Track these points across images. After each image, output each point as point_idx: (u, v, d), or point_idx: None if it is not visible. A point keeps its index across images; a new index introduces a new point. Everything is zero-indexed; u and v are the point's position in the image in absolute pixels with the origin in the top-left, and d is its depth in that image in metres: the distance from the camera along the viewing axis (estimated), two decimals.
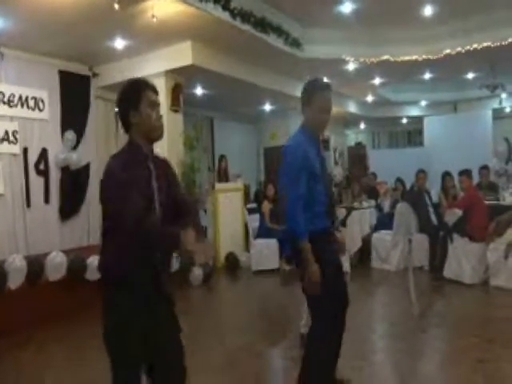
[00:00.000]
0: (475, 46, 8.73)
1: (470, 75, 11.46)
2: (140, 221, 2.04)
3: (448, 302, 6.19)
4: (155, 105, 2.30)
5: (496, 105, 13.30)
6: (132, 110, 2.24)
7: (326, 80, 3.25)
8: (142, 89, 2.28)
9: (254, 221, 8.68)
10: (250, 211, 9.47)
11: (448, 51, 8.99)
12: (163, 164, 2.42)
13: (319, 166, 3.01)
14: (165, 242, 2.11)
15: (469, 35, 8.68)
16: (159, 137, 2.31)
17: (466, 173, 7.00)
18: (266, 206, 8.48)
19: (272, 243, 8.18)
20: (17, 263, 5.33)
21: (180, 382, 2.33)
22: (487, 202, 7.29)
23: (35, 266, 5.54)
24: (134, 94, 2.26)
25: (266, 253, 8.20)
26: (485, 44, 8.64)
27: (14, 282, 5.26)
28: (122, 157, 2.24)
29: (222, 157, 11.14)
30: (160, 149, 8.02)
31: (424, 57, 9.24)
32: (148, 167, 2.27)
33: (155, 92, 2.34)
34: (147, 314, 2.21)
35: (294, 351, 4.41)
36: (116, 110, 2.38)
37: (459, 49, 8.89)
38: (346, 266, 6.31)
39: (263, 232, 8.29)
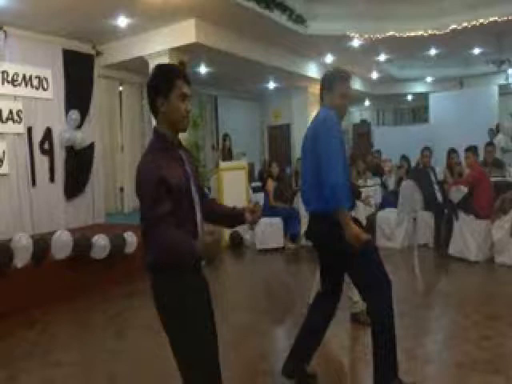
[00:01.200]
0: (482, 20, 8.61)
1: (477, 51, 11.33)
2: (162, 224, 2.03)
3: (453, 280, 6.21)
4: (186, 97, 2.19)
5: (502, 80, 13.17)
6: (161, 97, 2.15)
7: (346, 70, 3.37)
8: (175, 77, 2.17)
9: (259, 199, 8.71)
10: (255, 190, 9.50)
11: (454, 26, 8.89)
12: (187, 152, 2.37)
13: (343, 146, 3.10)
14: (180, 249, 2.07)
15: (475, 10, 8.57)
16: (184, 129, 2.25)
17: (471, 149, 6.97)
18: (271, 185, 8.50)
19: (276, 222, 8.21)
20: (23, 241, 5.39)
21: None
22: (493, 179, 7.26)
23: (41, 244, 5.60)
24: (166, 82, 2.16)
25: (271, 231, 8.23)
26: (491, 19, 8.52)
27: (20, 260, 5.32)
28: (152, 150, 2.20)
29: (226, 135, 11.15)
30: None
31: (430, 32, 9.14)
32: (179, 155, 2.24)
33: (188, 83, 2.21)
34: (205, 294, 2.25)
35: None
36: (147, 94, 2.25)
37: (465, 24, 8.78)
38: None
39: (268, 211, 8.31)
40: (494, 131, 11.23)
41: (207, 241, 2.06)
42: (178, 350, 2.13)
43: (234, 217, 2.43)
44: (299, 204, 8.20)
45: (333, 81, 3.19)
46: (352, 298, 4.46)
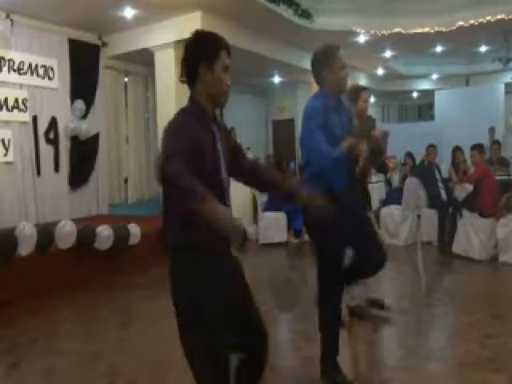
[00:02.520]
0: (488, 18, 8.59)
1: (483, 48, 11.31)
2: (174, 174, 1.75)
3: (456, 278, 6.19)
4: (227, 70, 2.06)
5: (509, 79, 13.16)
6: (204, 64, 2.00)
7: (331, 43, 3.30)
8: (221, 47, 2.04)
9: (262, 194, 8.70)
10: None
11: (461, 23, 8.86)
12: (223, 127, 2.20)
13: (337, 129, 3.06)
14: (187, 197, 1.75)
15: (482, 7, 8.54)
16: (223, 104, 2.11)
17: (477, 147, 6.93)
18: None
19: (280, 216, 8.21)
20: (27, 230, 5.40)
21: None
22: (498, 178, 7.24)
23: (45, 233, 5.61)
24: (212, 49, 2.02)
25: (274, 226, 8.23)
26: (498, 16, 8.50)
27: (25, 248, 5.34)
28: (186, 116, 2.03)
29: (231, 129, 11.14)
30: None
31: (436, 29, 9.12)
32: (212, 130, 2.06)
33: (230, 56, 2.08)
34: (228, 278, 2.05)
35: (300, 324, 4.48)
36: (184, 58, 2.09)
37: (472, 21, 8.75)
38: None
39: (272, 205, 8.31)
40: (495, 130, 11.21)
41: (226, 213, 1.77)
42: (187, 349, 2.06)
43: (283, 191, 2.33)
44: None
45: (329, 56, 3.10)
46: (350, 291, 4.45)
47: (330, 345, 3.16)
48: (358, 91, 4.14)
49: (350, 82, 3.28)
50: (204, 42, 2.05)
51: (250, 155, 9.47)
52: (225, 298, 1.98)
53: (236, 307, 2.07)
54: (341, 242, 3.12)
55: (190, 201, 1.74)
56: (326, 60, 3.09)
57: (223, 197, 2.05)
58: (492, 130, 11.21)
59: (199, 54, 2.01)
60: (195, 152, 1.90)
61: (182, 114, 2.04)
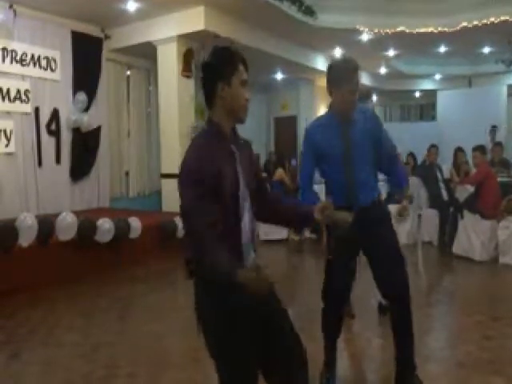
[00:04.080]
0: (492, 19, 8.56)
1: (486, 49, 11.27)
2: (202, 231, 1.81)
3: (456, 278, 6.20)
4: (246, 84, 2.01)
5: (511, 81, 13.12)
6: (222, 81, 1.95)
7: (351, 60, 3.06)
8: (238, 61, 1.99)
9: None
10: None
11: (464, 24, 8.84)
12: (245, 145, 2.13)
13: (337, 149, 2.95)
14: (214, 267, 1.81)
15: (487, 8, 8.52)
16: (243, 120, 2.04)
17: (479, 149, 6.93)
18: (282, 173, 8.56)
19: None
20: (28, 221, 5.39)
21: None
22: (499, 179, 7.23)
23: (46, 225, 5.60)
24: (229, 65, 1.97)
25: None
26: (502, 18, 8.48)
27: (25, 239, 5.33)
28: (203, 138, 2.00)
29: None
30: (171, 114, 8.09)
31: (440, 29, 9.10)
32: (231, 150, 2.00)
33: (247, 69, 2.03)
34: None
35: (301, 322, 4.47)
36: (202, 79, 2.04)
37: (476, 22, 8.73)
38: None
39: None
40: (496, 130, 11.20)
41: (251, 276, 1.74)
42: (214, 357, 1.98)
43: (300, 216, 2.21)
44: None
45: (339, 78, 2.88)
46: None
47: (327, 341, 3.19)
48: (367, 96, 4.14)
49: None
50: (221, 59, 2.00)
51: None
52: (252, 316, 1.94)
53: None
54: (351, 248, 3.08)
55: (216, 273, 1.81)
56: (338, 78, 2.90)
57: (238, 226, 1.98)
58: (493, 131, 11.21)
59: (217, 71, 1.98)
60: (213, 180, 1.88)
61: (198, 139, 2.02)
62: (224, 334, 1.91)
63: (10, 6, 7.03)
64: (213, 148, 1.94)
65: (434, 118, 14.47)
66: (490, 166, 7.55)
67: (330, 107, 3.08)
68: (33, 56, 7.48)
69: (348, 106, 2.92)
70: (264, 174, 9.95)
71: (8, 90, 7.14)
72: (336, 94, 2.92)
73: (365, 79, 13.43)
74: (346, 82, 2.85)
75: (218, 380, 1.98)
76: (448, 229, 7.20)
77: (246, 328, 1.92)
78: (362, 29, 9.15)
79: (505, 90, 12.79)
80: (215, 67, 1.98)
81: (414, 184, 7.79)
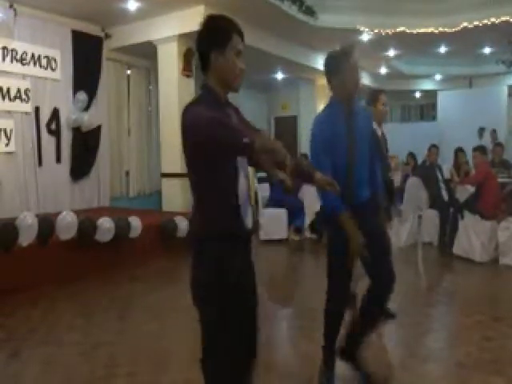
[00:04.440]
0: (493, 19, 8.56)
1: (487, 50, 11.28)
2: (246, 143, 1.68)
3: (456, 279, 6.19)
4: (241, 54, 2.01)
5: None
6: (215, 49, 1.96)
7: (346, 46, 3.13)
8: (232, 30, 2.00)
9: (264, 190, 8.69)
10: (260, 180, 9.48)
11: (465, 24, 8.84)
12: (237, 111, 2.15)
13: (343, 142, 2.94)
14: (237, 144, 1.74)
15: (487, 8, 8.52)
16: (236, 89, 2.04)
17: (479, 149, 6.93)
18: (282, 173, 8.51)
19: (281, 213, 8.20)
20: (28, 220, 5.39)
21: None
22: (500, 180, 7.23)
23: (46, 224, 5.60)
24: (223, 33, 1.98)
25: (275, 222, 8.21)
26: (503, 18, 8.48)
27: (26, 239, 5.33)
28: (201, 103, 1.98)
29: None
30: (171, 113, 8.09)
31: (440, 29, 9.10)
32: (227, 113, 2.03)
33: (243, 39, 2.04)
34: (246, 263, 2.09)
35: (300, 320, 4.48)
36: (196, 46, 2.04)
37: (476, 22, 8.73)
38: None
39: (273, 201, 8.30)
40: (498, 132, 11.22)
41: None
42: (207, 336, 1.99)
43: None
44: (304, 196, 8.21)
45: (335, 64, 2.94)
46: None
47: (328, 341, 3.17)
48: (376, 94, 4.16)
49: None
50: (215, 27, 2.01)
51: None
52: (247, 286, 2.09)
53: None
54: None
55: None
56: (336, 64, 2.95)
57: (235, 185, 2.00)
58: (494, 132, 11.21)
59: (210, 39, 1.99)
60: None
61: (198, 103, 2.00)
62: (226, 303, 1.94)
63: (11, 6, 7.02)
64: (211, 110, 1.90)
65: (434, 118, 14.47)
66: (490, 166, 7.56)
67: (332, 98, 3.07)
68: (33, 55, 7.48)
69: (352, 85, 2.94)
70: (264, 174, 9.94)
71: (8, 90, 7.14)
72: (337, 76, 2.94)
73: (365, 79, 13.42)
74: (347, 60, 2.91)
75: (212, 361, 1.99)
76: (448, 229, 7.19)
77: (242, 301, 2.02)
78: (362, 29, 9.15)
79: (505, 90, 12.78)
80: (209, 36, 1.99)
81: (414, 184, 7.79)
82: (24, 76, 7.42)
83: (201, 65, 2.04)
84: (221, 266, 1.94)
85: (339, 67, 2.92)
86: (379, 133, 4.35)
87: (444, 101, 13.48)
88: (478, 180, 6.76)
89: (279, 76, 12.30)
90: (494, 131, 11.22)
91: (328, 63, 3.02)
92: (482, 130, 11.44)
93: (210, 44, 1.97)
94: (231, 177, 1.97)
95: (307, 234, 8.25)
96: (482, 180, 6.64)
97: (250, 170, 2.28)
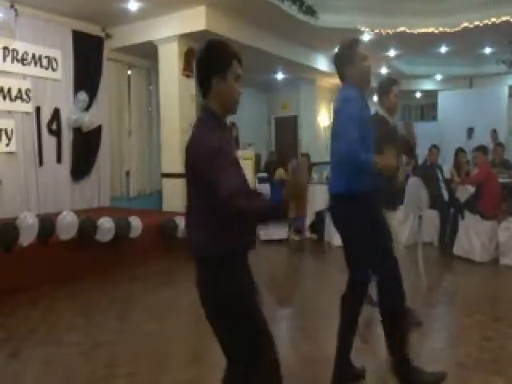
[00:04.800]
0: (493, 19, 8.56)
1: (488, 50, 11.27)
2: (239, 195, 1.88)
3: (456, 279, 6.18)
4: (239, 79, 2.10)
5: None
6: (216, 75, 2.03)
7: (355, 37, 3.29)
8: (232, 56, 2.07)
9: (264, 190, 8.69)
10: (260, 180, 9.49)
11: (465, 24, 8.83)
12: (231, 130, 2.34)
13: (365, 124, 2.99)
14: (269, 214, 2.01)
15: (488, 8, 8.51)
16: (234, 112, 2.14)
17: (481, 149, 6.92)
18: (282, 173, 8.56)
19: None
20: (28, 220, 5.40)
21: None
22: (500, 180, 7.22)
23: (46, 224, 5.60)
24: (223, 59, 2.05)
25: (275, 222, 8.21)
26: (503, 18, 8.47)
27: (26, 238, 5.33)
28: (208, 126, 2.06)
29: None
30: (172, 114, 8.09)
31: (441, 29, 9.09)
32: (230, 140, 2.16)
33: (241, 64, 2.12)
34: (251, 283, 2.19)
35: (300, 321, 4.48)
36: (195, 70, 2.13)
37: (477, 22, 8.72)
38: None
39: (273, 202, 8.28)
40: (498, 132, 11.22)
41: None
42: (234, 336, 2.09)
43: None
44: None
45: (351, 51, 3.04)
46: None
47: (344, 338, 3.13)
48: (390, 85, 4.11)
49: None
50: (215, 54, 2.08)
51: (250, 151, 9.47)
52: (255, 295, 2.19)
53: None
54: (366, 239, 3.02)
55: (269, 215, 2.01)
56: (347, 54, 3.06)
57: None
58: (494, 132, 11.21)
59: (212, 65, 2.06)
60: (233, 162, 2.02)
61: (203, 125, 2.09)
62: (247, 291, 2.10)
63: (12, 6, 7.03)
64: (221, 136, 2.02)
65: (434, 118, 14.46)
66: (491, 166, 7.55)
67: (348, 86, 3.08)
68: (34, 55, 7.48)
69: (366, 73, 3.07)
70: (265, 174, 9.97)
71: (9, 90, 7.15)
72: (350, 68, 3.03)
73: None
74: (354, 51, 3.03)
75: (235, 348, 2.10)
76: (448, 229, 7.18)
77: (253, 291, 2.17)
78: (362, 29, 9.15)
79: (506, 90, 12.80)
80: (211, 62, 2.06)
81: (415, 184, 7.78)
82: (25, 76, 7.42)
83: (201, 89, 2.12)
84: (240, 279, 2.07)
85: (352, 56, 3.03)
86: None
87: (444, 101, 13.49)
88: (478, 180, 6.74)
89: (279, 76, 12.30)
90: (494, 131, 11.21)
91: (340, 54, 3.12)
92: (470, 130, 11.46)
93: (212, 70, 2.05)
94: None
95: (307, 234, 8.26)
96: (483, 180, 6.63)
97: (250, 172, 2.38)
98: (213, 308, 2.07)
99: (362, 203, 2.92)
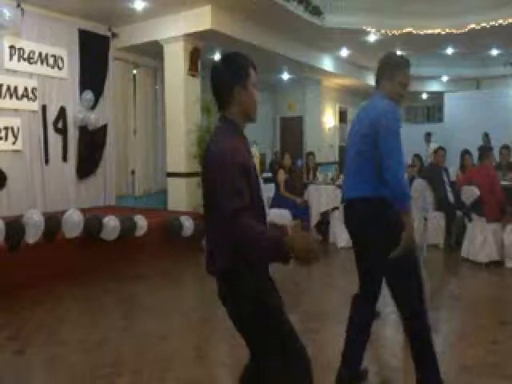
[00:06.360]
0: (501, 21, 8.53)
1: (494, 52, 11.23)
2: (239, 217, 1.87)
3: (462, 282, 6.16)
4: (256, 86, 2.17)
5: None
6: (238, 85, 2.09)
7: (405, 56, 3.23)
8: (250, 66, 2.14)
9: (268, 190, 8.67)
10: (265, 180, 9.48)
11: (472, 26, 8.81)
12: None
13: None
14: (266, 248, 1.88)
15: (495, 10, 8.48)
16: (254, 119, 2.19)
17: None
18: (282, 176, 8.48)
19: (286, 213, 8.18)
20: (35, 218, 5.41)
21: None
22: (505, 183, 7.19)
23: (52, 222, 5.61)
24: (243, 69, 2.12)
25: (280, 223, 8.17)
26: (511, 20, 8.44)
27: (32, 236, 5.35)
28: (230, 135, 2.09)
29: None
30: (177, 113, 8.10)
31: (447, 30, 9.07)
32: (249, 148, 2.17)
33: (256, 72, 2.18)
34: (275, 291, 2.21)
35: (306, 323, 4.46)
36: (216, 83, 2.14)
37: (484, 24, 8.69)
38: None
39: (277, 202, 8.29)
40: (489, 137, 11.17)
41: (295, 236, 1.85)
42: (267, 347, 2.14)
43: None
44: (309, 197, 8.20)
45: (394, 69, 3.02)
46: None
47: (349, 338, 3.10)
48: (398, 65, 3.95)
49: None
50: (235, 64, 2.14)
51: (256, 150, 9.46)
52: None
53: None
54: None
55: (269, 252, 1.88)
56: (391, 71, 3.02)
57: (265, 215, 2.22)
58: (486, 135, 11.15)
59: (233, 76, 2.10)
60: (249, 176, 2.01)
61: (228, 136, 2.09)
62: (269, 312, 2.09)
63: (18, 5, 7.04)
64: (241, 144, 2.07)
65: (440, 119, 14.42)
66: (496, 169, 7.53)
67: (387, 97, 3.01)
68: (40, 54, 7.51)
69: (397, 97, 3.03)
70: (269, 174, 9.96)
71: (16, 88, 7.17)
72: (398, 77, 3.01)
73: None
74: (408, 65, 3.04)
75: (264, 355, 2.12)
76: (455, 232, 7.16)
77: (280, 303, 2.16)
78: (369, 29, 9.14)
79: None
80: (231, 73, 2.11)
81: (420, 186, 7.75)
82: (31, 75, 7.44)
83: (219, 100, 2.14)
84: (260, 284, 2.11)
85: (394, 74, 3.01)
86: None
87: (451, 102, 13.44)
88: (459, 183, 6.97)
89: (285, 76, 12.31)
90: (485, 135, 11.14)
91: (384, 66, 3.09)
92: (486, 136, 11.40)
93: (233, 80, 2.09)
94: (260, 208, 2.13)
95: (313, 234, 8.24)
96: (468, 183, 6.71)
97: None
98: (238, 317, 2.14)
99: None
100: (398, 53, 3.24)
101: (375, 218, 2.85)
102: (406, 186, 2.86)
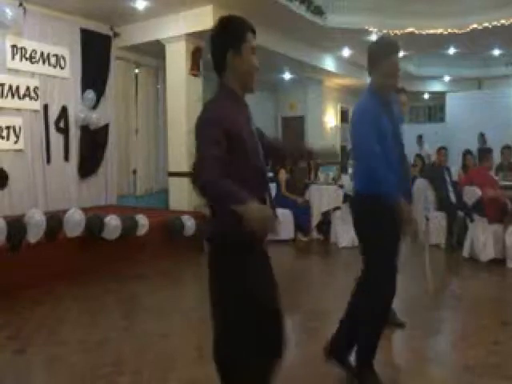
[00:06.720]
0: (503, 21, 8.52)
1: (496, 52, 11.23)
2: (207, 171, 1.83)
3: (464, 282, 6.14)
4: (255, 51, 2.05)
5: None
6: (232, 49, 1.98)
7: (392, 41, 3.15)
8: (247, 29, 2.03)
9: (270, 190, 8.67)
10: None
11: (474, 26, 8.79)
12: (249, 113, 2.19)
13: (390, 132, 2.89)
14: (225, 200, 1.84)
15: (497, 10, 8.47)
16: (252, 88, 2.10)
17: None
18: (283, 175, 8.47)
19: (287, 213, 8.17)
20: (36, 217, 5.41)
21: None
22: (507, 183, 7.18)
23: (54, 221, 5.61)
24: (238, 32, 2.01)
25: (281, 222, 8.18)
26: None
27: (34, 236, 5.35)
28: (220, 98, 2.04)
29: None
30: (179, 113, 8.09)
31: (449, 30, 9.06)
32: (248, 115, 2.11)
33: (255, 37, 2.07)
34: (267, 269, 2.27)
35: (308, 321, 4.47)
36: (212, 46, 2.06)
37: (486, 24, 8.68)
38: None
39: (278, 201, 8.27)
40: (485, 138, 11.16)
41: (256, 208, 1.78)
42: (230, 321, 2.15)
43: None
44: (311, 197, 8.20)
45: (377, 58, 2.90)
46: None
47: (370, 343, 3.06)
48: (385, 51, 3.94)
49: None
50: (228, 28, 2.03)
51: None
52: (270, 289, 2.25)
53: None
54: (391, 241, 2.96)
55: (228, 203, 1.82)
56: (373, 61, 2.94)
57: (265, 183, 2.19)
58: (482, 135, 11.15)
59: (226, 40, 2.01)
60: (235, 138, 1.94)
61: (217, 99, 2.04)
62: (255, 287, 2.13)
63: (20, 4, 7.04)
64: (233, 110, 1.99)
65: (442, 119, 14.40)
66: (498, 169, 7.52)
67: (372, 89, 3.00)
68: (42, 53, 7.50)
69: (389, 86, 2.96)
70: (270, 174, 9.94)
71: (17, 87, 7.16)
72: (380, 67, 2.90)
73: None
74: (392, 52, 2.91)
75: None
76: (457, 232, 7.15)
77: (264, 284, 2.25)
78: (371, 29, 9.13)
79: None
80: (225, 37, 2.01)
81: (422, 186, 7.74)
82: (33, 74, 7.44)
83: (215, 66, 2.06)
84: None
85: (376, 65, 2.93)
86: None
87: (452, 102, 13.45)
88: (461, 184, 6.95)
89: (287, 76, 12.29)
90: (481, 135, 11.14)
91: (369, 56, 3.02)
92: (482, 137, 11.40)
93: (226, 44, 2.00)
94: (259, 172, 2.09)
95: (314, 234, 8.24)
96: (469, 184, 6.69)
97: None
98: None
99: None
100: (386, 39, 3.15)
101: (362, 212, 2.98)
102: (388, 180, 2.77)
